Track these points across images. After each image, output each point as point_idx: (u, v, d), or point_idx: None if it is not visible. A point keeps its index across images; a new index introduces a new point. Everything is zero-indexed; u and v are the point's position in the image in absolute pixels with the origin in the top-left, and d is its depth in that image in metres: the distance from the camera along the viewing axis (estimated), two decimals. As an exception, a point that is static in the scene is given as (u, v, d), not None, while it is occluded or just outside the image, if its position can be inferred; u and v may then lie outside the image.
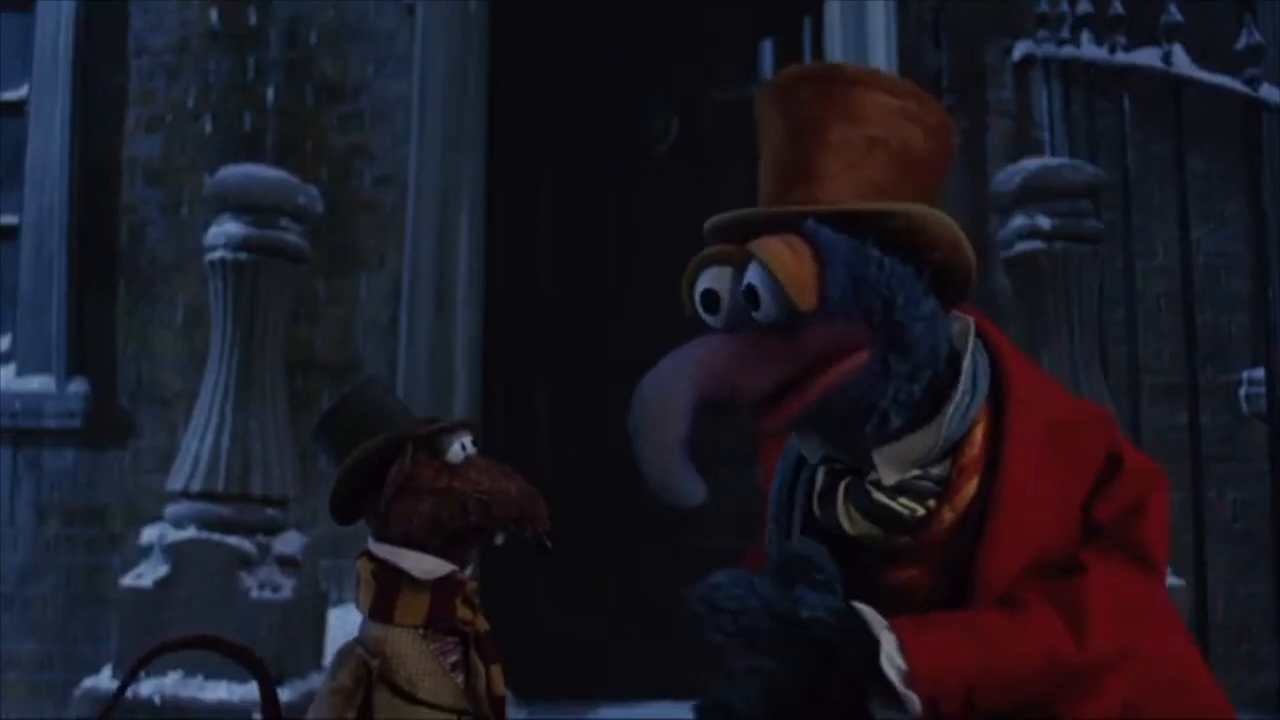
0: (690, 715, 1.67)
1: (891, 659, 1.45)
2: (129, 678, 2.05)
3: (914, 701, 1.44)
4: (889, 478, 1.56)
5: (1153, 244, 4.46)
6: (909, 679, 1.44)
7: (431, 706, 1.79)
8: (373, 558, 1.88)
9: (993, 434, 1.57)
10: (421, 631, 1.83)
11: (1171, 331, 4.22)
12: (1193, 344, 3.78)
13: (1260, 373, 4.00)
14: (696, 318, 1.56)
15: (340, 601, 4.03)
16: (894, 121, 1.54)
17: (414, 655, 1.81)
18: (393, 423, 1.90)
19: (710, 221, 1.59)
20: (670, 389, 1.44)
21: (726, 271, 1.51)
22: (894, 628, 1.47)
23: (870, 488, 1.57)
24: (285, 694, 3.46)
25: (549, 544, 1.87)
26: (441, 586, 1.85)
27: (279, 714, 1.98)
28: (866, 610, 1.48)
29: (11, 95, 5.14)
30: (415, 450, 1.85)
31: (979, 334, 1.63)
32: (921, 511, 1.55)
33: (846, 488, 1.59)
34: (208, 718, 3.43)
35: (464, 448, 1.86)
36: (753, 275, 1.47)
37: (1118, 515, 1.57)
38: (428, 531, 1.83)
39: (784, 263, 1.45)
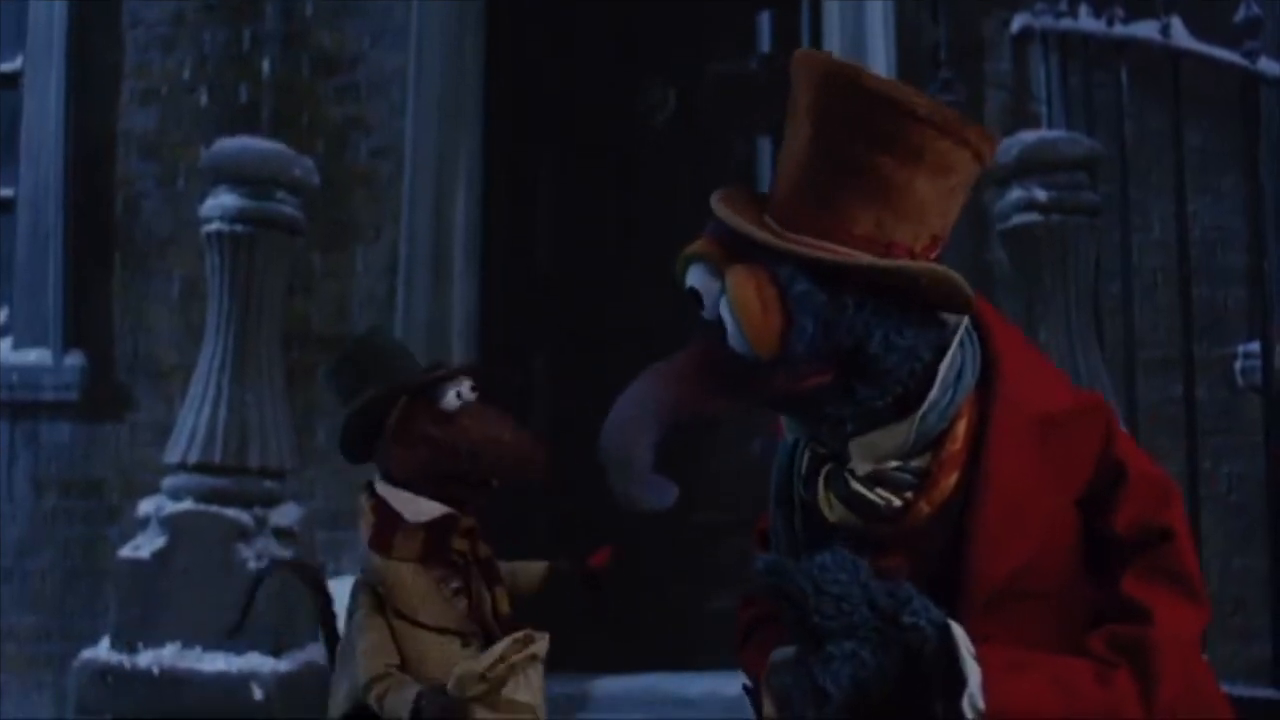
0: (683, 685, 1.69)
1: (972, 698, 1.45)
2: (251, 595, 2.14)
3: None
4: (862, 469, 1.58)
5: (1149, 217, 4.45)
6: None
7: (435, 630, 1.87)
8: (373, 493, 1.94)
9: (979, 428, 1.57)
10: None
11: (1168, 305, 4.22)
12: (1189, 317, 3.79)
13: (1256, 346, 4.00)
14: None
15: (337, 573, 4.03)
16: (919, 153, 1.50)
17: (413, 584, 1.90)
18: (395, 369, 1.94)
19: (715, 200, 1.58)
20: (632, 425, 1.50)
21: (710, 275, 1.54)
22: (983, 663, 1.47)
23: (849, 476, 1.59)
24: (284, 665, 3.48)
25: (544, 486, 1.92)
26: (435, 526, 1.90)
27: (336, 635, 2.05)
28: (960, 636, 1.48)
29: (6, 67, 5.11)
30: (414, 398, 1.89)
31: (974, 321, 1.62)
32: (898, 503, 1.57)
33: (827, 474, 1.62)
34: (206, 689, 3.45)
35: (459, 395, 1.91)
36: (724, 309, 1.51)
37: (1138, 528, 1.57)
38: (421, 478, 1.89)
39: (750, 314, 1.48)
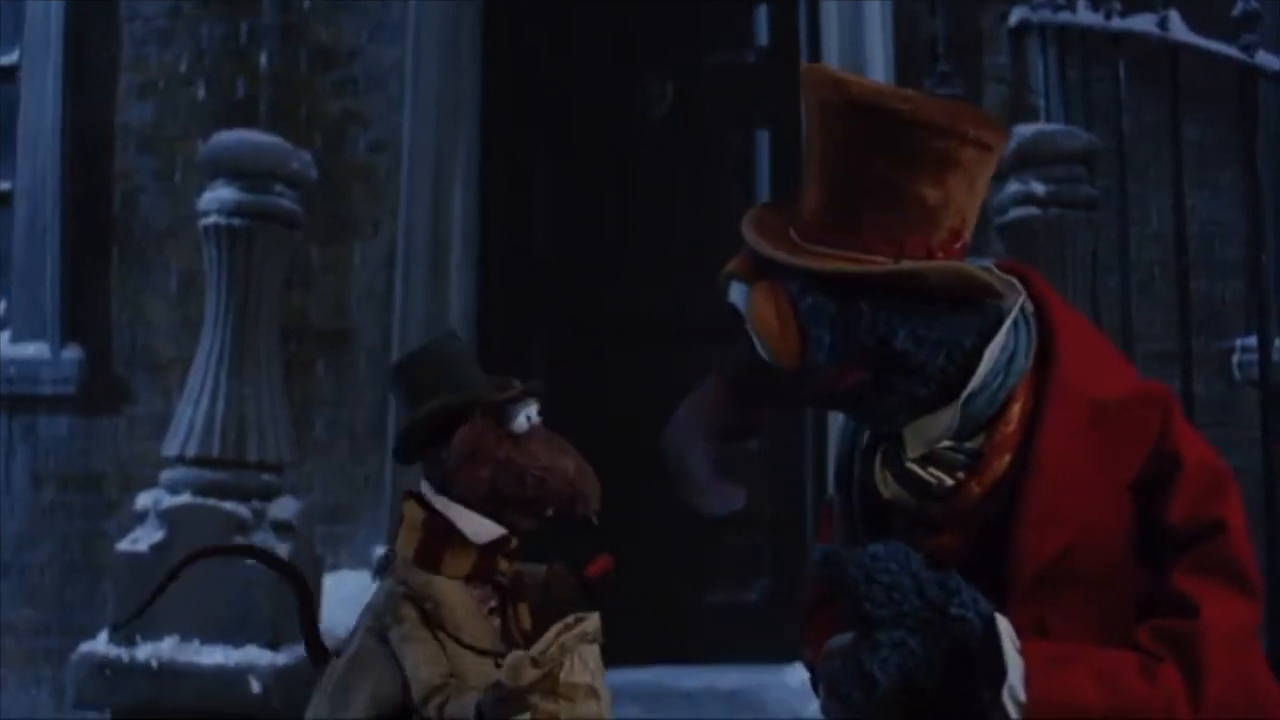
0: (681, 679, 1.72)
1: (1013, 691, 1.47)
2: (165, 582, 2.12)
3: None
4: (914, 450, 1.62)
5: (1147, 211, 4.46)
6: (1025, 714, 1.47)
7: (475, 650, 1.89)
8: (423, 504, 1.94)
9: (1035, 411, 1.59)
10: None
11: (1165, 299, 4.22)
12: (1186, 311, 3.78)
13: (1253, 340, 4.00)
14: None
15: (335, 567, 4.03)
16: (917, 157, 1.53)
17: (460, 603, 1.91)
18: (465, 379, 1.94)
19: (745, 217, 1.64)
20: (681, 442, 1.63)
21: (744, 292, 1.61)
22: (1026, 655, 1.48)
23: (903, 454, 1.63)
24: (281, 658, 3.48)
25: (595, 520, 1.93)
26: (488, 548, 1.90)
27: (316, 632, 2.06)
28: (1005, 629, 1.50)
29: (3, 61, 5.10)
30: (483, 415, 1.89)
31: (1032, 301, 1.64)
32: (950, 482, 1.61)
33: (884, 452, 1.66)
34: (204, 682, 3.45)
35: (529, 419, 1.93)
36: (751, 328, 1.59)
37: (1192, 520, 1.56)
38: (484, 498, 1.89)
39: (769, 330, 1.56)
